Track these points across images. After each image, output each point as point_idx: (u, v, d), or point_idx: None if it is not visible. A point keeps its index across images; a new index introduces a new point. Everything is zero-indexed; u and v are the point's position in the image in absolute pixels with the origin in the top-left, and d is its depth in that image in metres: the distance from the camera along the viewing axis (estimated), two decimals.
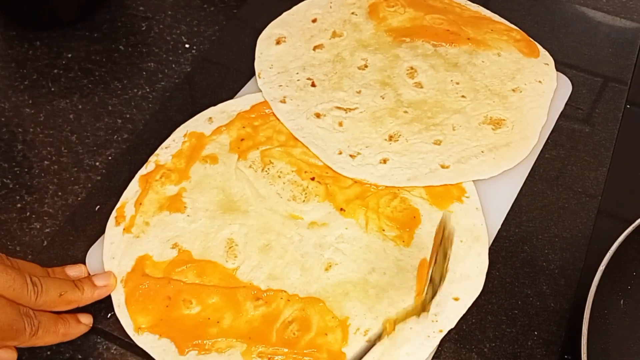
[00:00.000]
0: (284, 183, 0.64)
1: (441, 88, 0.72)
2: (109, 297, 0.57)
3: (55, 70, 0.80)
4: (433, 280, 0.53)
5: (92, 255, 0.60)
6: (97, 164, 0.71)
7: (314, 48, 0.77)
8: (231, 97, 0.73)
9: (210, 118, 0.70)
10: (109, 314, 0.57)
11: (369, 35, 0.78)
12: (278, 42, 0.78)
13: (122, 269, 0.58)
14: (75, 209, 0.65)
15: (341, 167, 0.65)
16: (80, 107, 0.76)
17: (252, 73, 0.75)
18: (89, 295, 0.55)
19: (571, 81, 0.76)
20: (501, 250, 0.62)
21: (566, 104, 0.74)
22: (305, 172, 0.65)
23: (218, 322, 0.54)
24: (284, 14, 0.81)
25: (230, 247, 0.59)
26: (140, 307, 0.55)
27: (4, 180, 0.69)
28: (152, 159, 0.66)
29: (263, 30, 0.79)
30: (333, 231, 0.61)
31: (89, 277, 0.57)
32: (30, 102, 0.76)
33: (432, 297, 0.52)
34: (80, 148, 0.72)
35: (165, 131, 0.69)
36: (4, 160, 0.71)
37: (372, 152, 0.66)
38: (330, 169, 0.65)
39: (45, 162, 0.71)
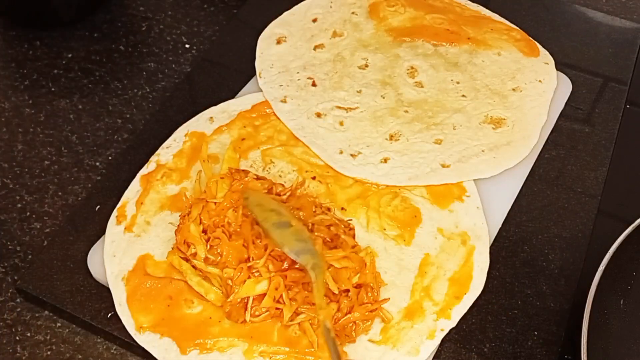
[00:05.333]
0: (284, 182, 0.64)
1: (442, 87, 0.72)
2: (109, 296, 0.57)
3: (55, 70, 0.80)
4: None
5: (93, 255, 0.60)
6: (97, 164, 0.71)
7: (315, 48, 0.77)
8: (231, 97, 0.73)
9: (211, 118, 0.70)
10: (109, 314, 0.57)
11: (370, 34, 0.78)
12: (279, 42, 0.78)
13: (123, 268, 0.58)
14: (75, 209, 0.65)
15: (342, 166, 0.65)
16: (80, 107, 0.76)
17: (252, 73, 0.75)
18: None
19: (571, 81, 0.76)
20: (501, 250, 0.62)
21: (566, 104, 0.74)
22: (306, 171, 0.65)
23: (219, 321, 0.54)
24: (285, 13, 0.81)
25: None
26: (141, 306, 0.55)
27: (4, 180, 0.69)
28: (153, 158, 0.66)
29: (263, 30, 0.79)
30: None
31: None
32: (30, 102, 0.76)
33: None
34: (80, 148, 0.72)
35: (165, 131, 0.69)
36: (4, 160, 0.71)
37: (372, 152, 0.66)
38: (331, 168, 0.65)
39: (45, 162, 0.71)
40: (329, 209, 0.61)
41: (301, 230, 0.55)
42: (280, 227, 0.54)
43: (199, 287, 0.55)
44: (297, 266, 0.54)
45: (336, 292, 0.54)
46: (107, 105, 0.76)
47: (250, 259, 0.55)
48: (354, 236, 0.59)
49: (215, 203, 0.57)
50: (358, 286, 0.55)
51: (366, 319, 0.54)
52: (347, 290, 0.55)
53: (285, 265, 0.54)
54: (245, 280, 0.54)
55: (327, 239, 0.56)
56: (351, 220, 0.61)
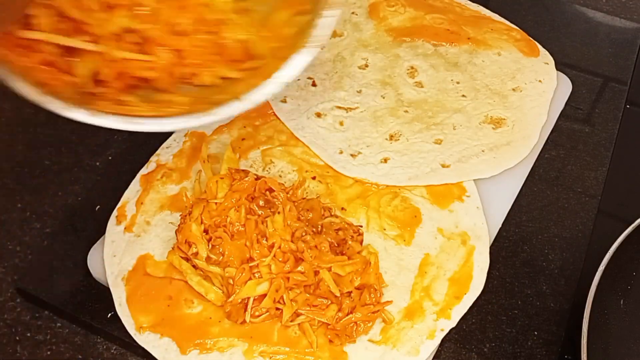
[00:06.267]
0: (285, 182, 0.64)
1: (442, 87, 0.72)
2: (109, 296, 0.57)
3: None
4: None
5: (93, 254, 0.60)
6: (98, 164, 0.70)
7: None
8: None
9: None
10: (109, 314, 0.57)
11: (370, 34, 0.78)
12: None
13: (123, 268, 0.58)
14: (76, 209, 0.65)
15: (342, 166, 0.65)
16: None
17: None
18: None
19: (571, 81, 0.76)
20: (501, 250, 0.62)
21: (566, 104, 0.74)
22: (306, 171, 0.65)
23: (220, 321, 0.54)
24: None
25: None
26: (141, 306, 0.55)
27: (5, 180, 0.69)
28: (153, 158, 0.66)
29: None
30: None
31: None
32: (31, 102, 0.76)
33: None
34: (80, 148, 0.72)
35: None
36: (4, 160, 0.71)
37: (373, 152, 0.66)
38: (331, 168, 0.65)
39: (46, 162, 0.71)
40: (330, 209, 0.61)
41: None
42: None
43: (199, 287, 0.55)
44: (298, 269, 0.54)
45: (338, 295, 0.54)
46: None
47: (253, 258, 0.55)
48: (361, 242, 0.59)
49: (216, 203, 0.57)
50: (361, 287, 0.55)
51: (368, 320, 0.54)
52: (350, 292, 0.55)
53: (287, 267, 0.54)
54: (247, 281, 0.54)
55: (334, 243, 0.56)
56: (361, 226, 0.61)
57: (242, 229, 0.56)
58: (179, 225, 0.58)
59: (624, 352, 0.56)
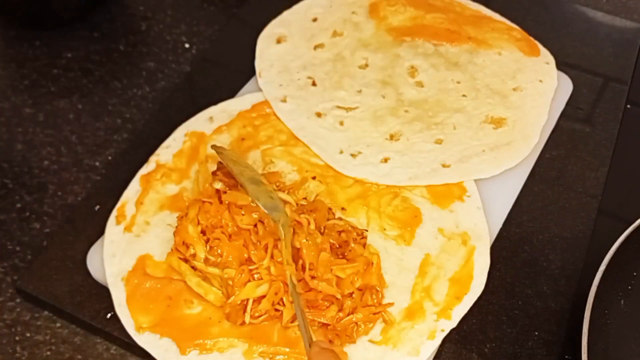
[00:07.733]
0: (284, 182, 0.64)
1: (442, 87, 0.72)
2: (109, 297, 0.57)
3: (55, 70, 0.79)
4: None
5: (92, 255, 0.60)
6: (97, 164, 0.70)
7: (315, 47, 0.76)
8: (231, 97, 0.72)
9: (211, 117, 0.69)
10: (109, 314, 0.57)
11: (370, 34, 0.78)
12: (279, 41, 0.77)
13: (122, 268, 0.58)
14: (75, 209, 0.65)
15: (342, 166, 0.65)
16: (80, 107, 0.76)
17: (252, 73, 0.75)
18: None
19: (572, 81, 0.76)
20: (502, 250, 0.62)
21: (567, 104, 0.74)
22: (306, 171, 0.65)
23: (219, 321, 0.54)
24: (285, 12, 0.81)
25: None
26: (141, 306, 0.55)
27: (4, 180, 0.69)
28: (153, 158, 0.66)
29: (263, 29, 0.79)
30: None
31: None
32: (30, 102, 0.76)
33: None
34: (80, 148, 0.72)
35: (165, 131, 0.69)
36: (4, 160, 0.71)
37: (373, 152, 0.66)
38: (332, 168, 0.65)
39: (45, 162, 0.71)
40: (332, 212, 0.61)
41: (272, 190, 0.58)
42: (254, 183, 0.58)
43: (199, 288, 0.55)
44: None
45: (339, 297, 0.54)
46: (106, 105, 0.76)
47: (252, 259, 0.55)
48: (364, 245, 0.59)
49: (211, 203, 0.57)
50: (362, 288, 0.55)
51: (369, 320, 0.54)
52: (351, 293, 0.55)
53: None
54: (246, 283, 0.53)
55: (336, 244, 0.56)
56: (367, 230, 0.60)
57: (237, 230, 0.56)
58: (176, 226, 0.58)
59: (625, 352, 0.56)
